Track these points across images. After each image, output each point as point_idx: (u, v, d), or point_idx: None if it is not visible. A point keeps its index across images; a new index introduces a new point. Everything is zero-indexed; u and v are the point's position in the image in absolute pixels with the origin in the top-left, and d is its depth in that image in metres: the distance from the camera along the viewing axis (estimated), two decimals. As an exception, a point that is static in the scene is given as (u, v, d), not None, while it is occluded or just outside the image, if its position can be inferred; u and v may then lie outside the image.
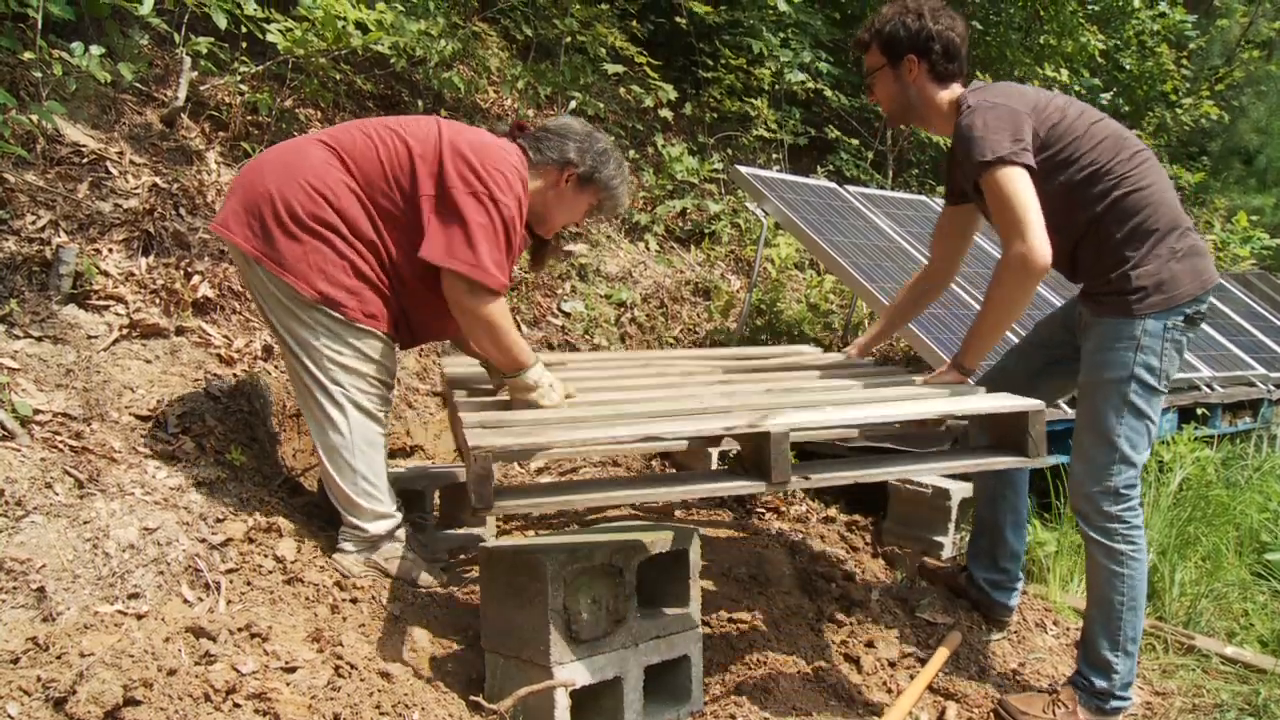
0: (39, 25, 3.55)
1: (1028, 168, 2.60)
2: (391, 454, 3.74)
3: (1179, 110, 10.76)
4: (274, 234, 2.74)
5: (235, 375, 3.43)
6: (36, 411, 2.81)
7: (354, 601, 2.72)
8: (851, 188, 5.52)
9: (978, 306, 4.46)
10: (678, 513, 3.87)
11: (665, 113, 6.85)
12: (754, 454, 2.34)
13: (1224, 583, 3.82)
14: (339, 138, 2.85)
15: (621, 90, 7.00)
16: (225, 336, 3.54)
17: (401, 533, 2.93)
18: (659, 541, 2.48)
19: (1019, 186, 2.57)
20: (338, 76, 5.01)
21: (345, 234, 2.78)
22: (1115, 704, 2.81)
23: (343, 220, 2.77)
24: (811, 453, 4.20)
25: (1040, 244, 2.54)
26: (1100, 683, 2.81)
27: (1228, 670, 3.36)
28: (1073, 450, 2.83)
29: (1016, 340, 3.32)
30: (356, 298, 2.80)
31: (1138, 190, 2.69)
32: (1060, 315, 3.08)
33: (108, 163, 3.73)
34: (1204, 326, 5.80)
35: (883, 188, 7.29)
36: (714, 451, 4.25)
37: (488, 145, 2.81)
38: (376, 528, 2.88)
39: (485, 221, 2.70)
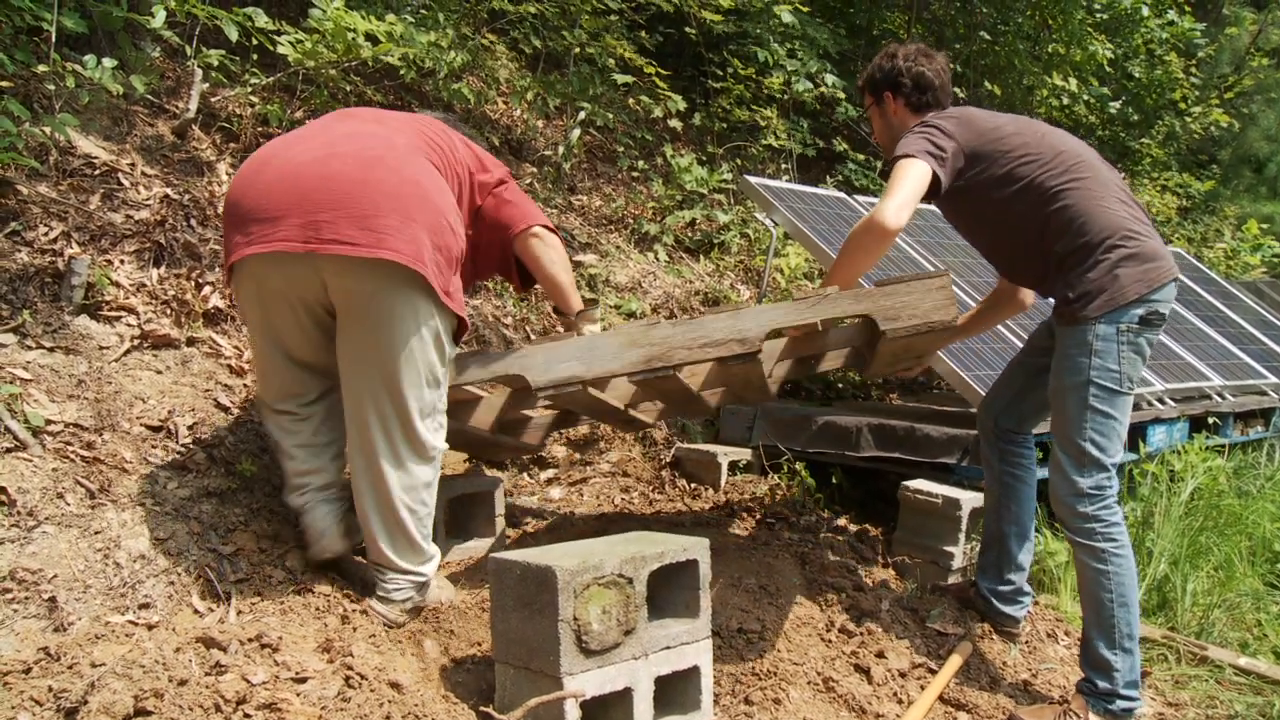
0: (52, 39, 3.58)
1: (933, 171, 2.86)
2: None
3: (1188, 118, 10.74)
4: (452, 266, 2.61)
5: (246, 386, 3.44)
6: (48, 422, 2.82)
7: (364, 612, 2.72)
8: (861, 197, 5.51)
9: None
10: (687, 524, 3.87)
11: (674, 123, 6.86)
12: None
13: (1237, 593, 3.80)
14: (434, 157, 2.72)
15: (630, 101, 7.01)
16: (236, 347, 3.55)
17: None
18: (669, 552, 2.48)
19: (909, 172, 2.83)
20: (348, 88, 5.03)
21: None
22: (1122, 704, 2.81)
23: None
24: (825, 464, 4.20)
25: (893, 212, 2.76)
26: (1102, 683, 2.82)
27: (1241, 681, 3.34)
28: (1049, 457, 2.97)
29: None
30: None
31: (1069, 205, 2.87)
32: (1045, 326, 3.22)
33: (120, 174, 3.75)
34: (1215, 335, 5.78)
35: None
36: (724, 462, 4.26)
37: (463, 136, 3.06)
38: (429, 569, 2.79)
39: (513, 182, 3.00)
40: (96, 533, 2.65)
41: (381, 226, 2.46)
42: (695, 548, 2.54)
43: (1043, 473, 3.90)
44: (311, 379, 2.85)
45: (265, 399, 2.88)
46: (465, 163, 2.87)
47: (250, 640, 2.36)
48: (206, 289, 3.59)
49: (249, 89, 4.53)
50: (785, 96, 7.20)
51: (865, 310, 2.72)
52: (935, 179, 2.86)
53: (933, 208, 6.09)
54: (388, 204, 2.48)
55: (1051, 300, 3.05)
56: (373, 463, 2.64)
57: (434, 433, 2.68)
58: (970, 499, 3.54)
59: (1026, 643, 3.35)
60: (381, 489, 2.65)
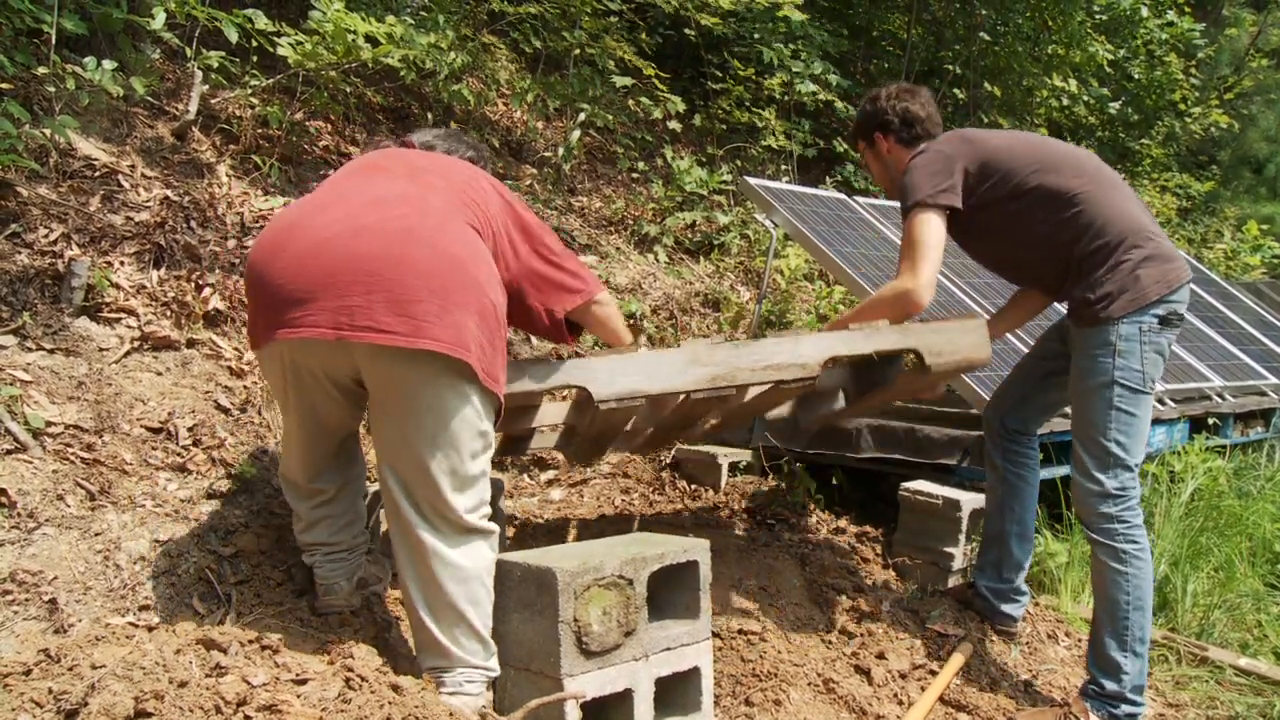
0: (52, 40, 3.58)
1: (946, 208, 2.88)
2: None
3: (1188, 119, 10.76)
4: (498, 346, 2.40)
5: (246, 387, 3.44)
6: (48, 424, 2.82)
7: (365, 614, 2.72)
8: (861, 199, 5.51)
9: (985, 317, 4.46)
10: (688, 525, 3.87)
11: (674, 124, 6.86)
12: None
13: (1237, 594, 3.80)
14: (471, 216, 2.47)
15: (630, 102, 7.01)
16: (236, 349, 3.56)
17: None
18: (670, 553, 2.48)
19: (926, 230, 2.86)
20: (348, 89, 5.03)
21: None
22: (1127, 709, 2.81)
23: None
24: (825, 465, 4.20)
25: (924, 286, 2.82)
26: (1110, 685, 2.82)
27: (1241, 682, 3.34)
28: (1071, 457, 2.95)
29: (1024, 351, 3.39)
30: None
31: (1085, 208, 2.89)
32: (1055, 329, 3.22)
33: (120, 176, 3.75)
34: (1215, 336, 5.78)
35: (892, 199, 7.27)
36: (724, 463, 4.26)
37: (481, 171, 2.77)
38: (496, 662, 2.47)
39: (556, 238, 2.74)
40: (97, 534, 2.65)
41: (421, 312, 2.26)
42: (695, 549, 2.54)
43: (1047, 473, 3.92)
44: (342, 450, 2.69)
45: (297, 480, 2.68)
46: (499, 215, 2.61)
47: (250, 642, 2.35)
48: (206, 290, 3.59)
49: (249, 91, 4.53)
50: (785, 98, 7.21)
51: (913, 345, 2.82)
52: (951, 214, 2.89)
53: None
54: (425, 285, 2.28)
55: (1062, 305, 3.06)
56: (420, 555, 2.41)
57: (481, 516, 2.45)
58: (970, 500, 3.54)
59: (1027, 644, 3.35)
60: (433, 581, 2.40)
